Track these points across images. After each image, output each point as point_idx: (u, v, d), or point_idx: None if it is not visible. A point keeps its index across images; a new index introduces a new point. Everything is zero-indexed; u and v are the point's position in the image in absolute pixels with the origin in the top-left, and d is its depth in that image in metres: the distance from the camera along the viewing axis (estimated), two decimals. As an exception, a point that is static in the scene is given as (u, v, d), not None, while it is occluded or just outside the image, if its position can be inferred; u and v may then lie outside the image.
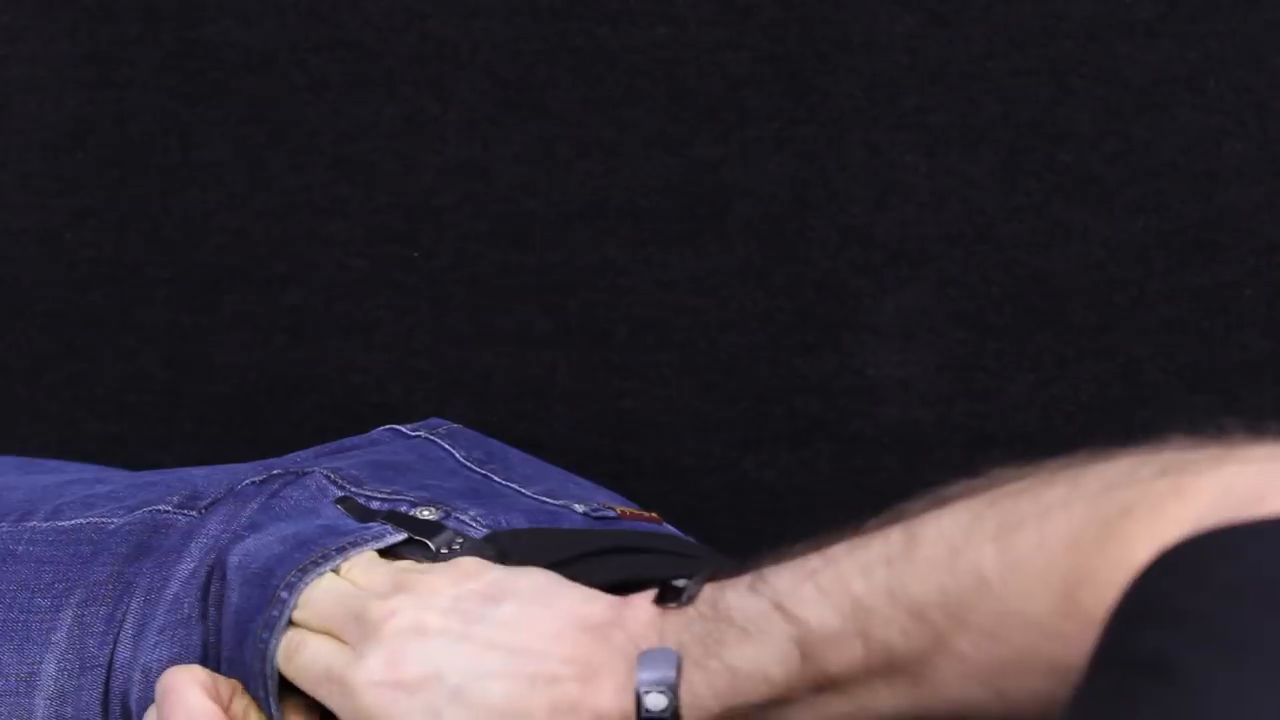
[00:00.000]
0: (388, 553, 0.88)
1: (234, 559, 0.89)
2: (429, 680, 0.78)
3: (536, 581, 0.82)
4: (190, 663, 0.88)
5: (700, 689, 0.75)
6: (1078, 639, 0.64)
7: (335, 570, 0.86)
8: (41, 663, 0.92)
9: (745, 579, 0.76)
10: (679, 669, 0.75)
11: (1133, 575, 0.62)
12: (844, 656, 0.72)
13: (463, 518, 0.92)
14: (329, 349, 1.25)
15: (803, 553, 0.75)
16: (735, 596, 0.76)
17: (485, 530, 0.91)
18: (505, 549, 0.87)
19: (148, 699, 0.89)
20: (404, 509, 0.92)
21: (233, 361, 1.26)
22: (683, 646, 0.76)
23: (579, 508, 0.97)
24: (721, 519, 1.23)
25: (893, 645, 0.71)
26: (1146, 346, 1.17)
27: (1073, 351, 1.18)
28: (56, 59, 1.24)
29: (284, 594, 0.84)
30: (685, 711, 0.75)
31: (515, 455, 1.07)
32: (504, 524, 0.92)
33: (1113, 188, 1.15)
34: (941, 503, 0.73)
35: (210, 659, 0.89)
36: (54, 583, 0.95)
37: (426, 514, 0.91)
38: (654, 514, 1.02)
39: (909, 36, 1.14)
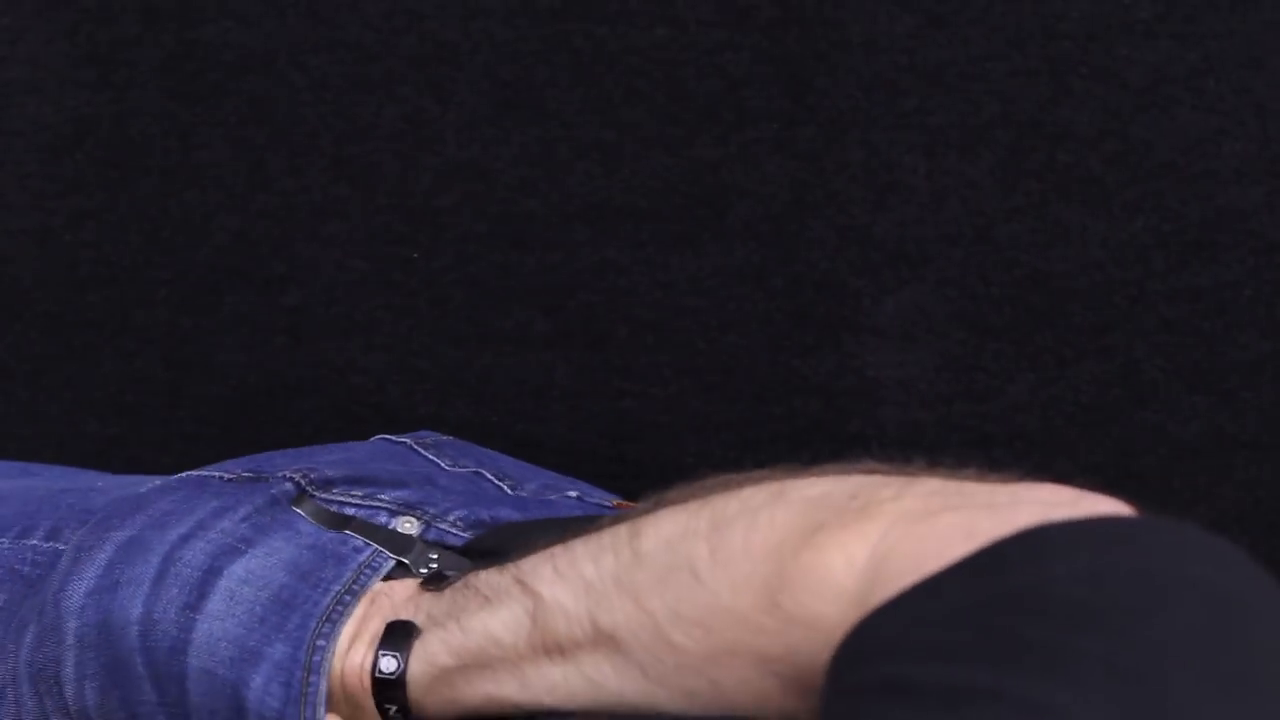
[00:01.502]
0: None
1: (238, 570, 0.90)
2: None
3: None
4: (109, 634, 0.91)
5: (434, 646, 0.84)
6: (779, 634, 0.73)
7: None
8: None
9: (501, 564, 0.85)
10: (414, 634, 0.84)
11: (823, 580, 0.72)
12: (571, 631, 0.80)
13: (444, 525, 0.92)
14: (328, 350, 1.25)
15: (551, 544, 0.83)
16: (485, 574, 0.84)
17: (470, 530, 0.92)
18: (485, 552, 0.90)
19: (86, 672, 0.91)
20: (382, 519, 0.93)
21: (232, 362, 1.26)
22: (430, 617, 0.85)
23: (572, 492, 0.99)
24: (721, 519, 1.23)
25: (617, 627, 0.78)
26: (1146, 346, 1.17)
27: (1072, 351, 1.18)
28: (56, 60, 1.24)
29: (320, 643, 0.88)
30: (414, 665, 0.84)
31: (505, 461, 1.07)
32: (488, 520, 0.93)
33: (1112, 188, 1.15)
34: (662, 505, 0.81)
35: (153, 641, 0.90)
36: None
37: (406, 526, 0.92)
38: None
39: (908, 37, 1.14)
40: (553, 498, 0.99)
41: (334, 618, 0.88)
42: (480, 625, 0.82)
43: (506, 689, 0.82)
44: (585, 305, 1.22)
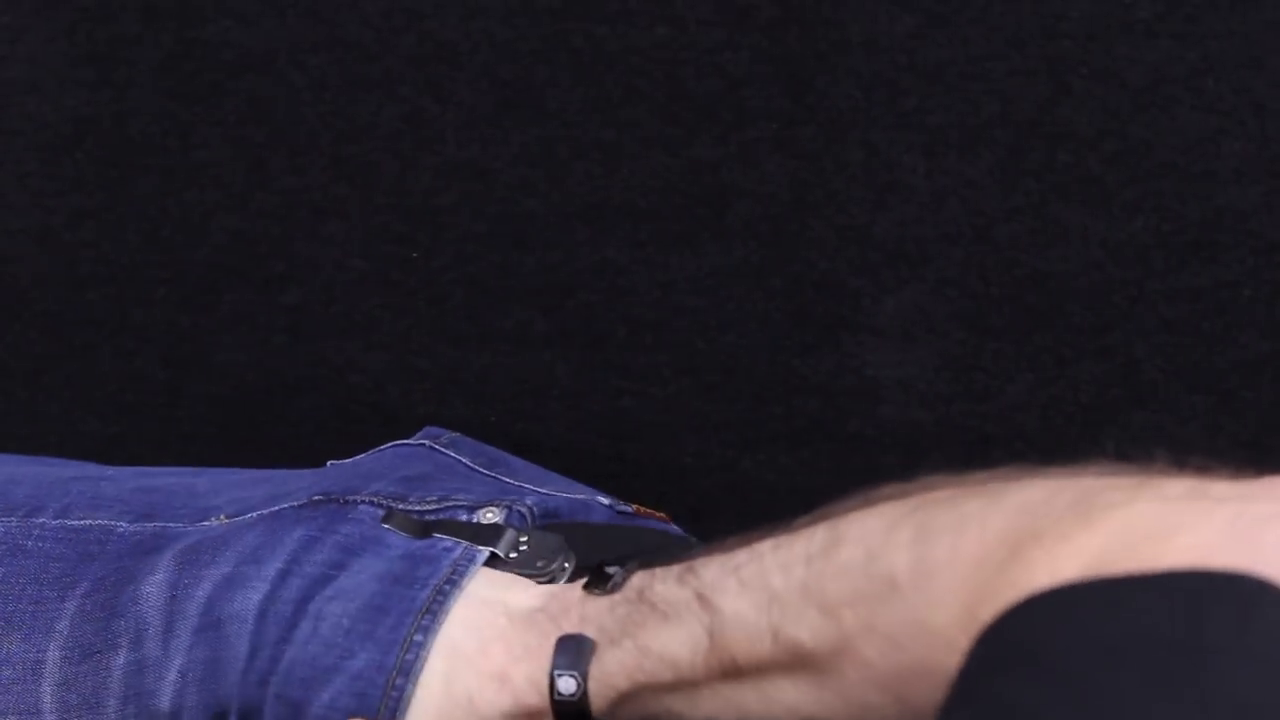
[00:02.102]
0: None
1: (328, 591, 0.90)
2: None
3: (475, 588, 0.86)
4: (224, 669, 0.90)
5: (611, 667, 0.78)
6: None
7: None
8: (47, 651, 0.93)
9: (675, 569, 0.79)
10: (592, 653, 0.78)
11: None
12: (752, 648, 0.74)
13: (521, 509, 0.93)
14: (328, 349, 1.25)
15: (734, 547, 0.78)
16: (662, 585, 0.79)
17: (542, 518, 0.93)
18: (571, 540, 0.89)
19: (186, 703, 0.90)
20: (463, 516, 0.93)
21: (231, 361, 1.26)
22: (602, 629, 0.79)
23: (604, 500, 0.99)
24: (721, 519, 1.23)
25: (801, 642, 0.72)
26: (1145, 346, 1.17)
27: (1072, 351, 1.18)
28: (56, 59, 1.24)
29: (418, 637, 0.86)
30: (594, 689, 0.78)
31: (516, 461, 1.08)
32: (563, 507, 0.94)
33: (1112, 188, 1.15)
34: (868, 504, 0.74)
35: (251, 678, 0.90)
36: (60, 577, 0.95)
37: (489, 516, 0.92)
38: (662, 514, 1.03)
39: (908, 37, 1.14)
40: (582, 499, 0.99)
41: (434, 609, 0.86)
42: (659, 647, 0.77)
43: (677, 707, 0.78)
44: (584, 305, 1.22)
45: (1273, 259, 1.14)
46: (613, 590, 0.81)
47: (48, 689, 0.93)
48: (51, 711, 0.93)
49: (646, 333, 1.22)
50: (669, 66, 1.17)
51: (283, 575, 0.91)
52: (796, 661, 0.73)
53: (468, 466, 1.03)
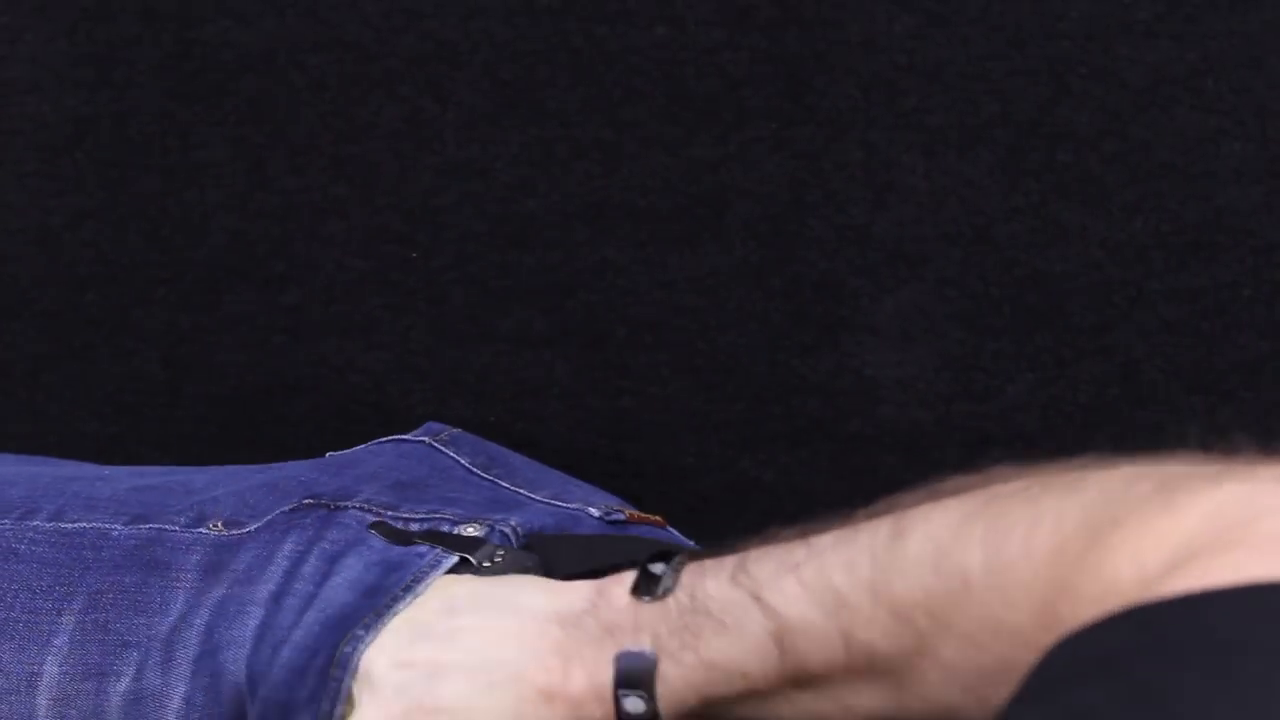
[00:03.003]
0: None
1: (316, 606, 0.91)
2: (413, 708, 0.80)
3: (503, 587, 0.83)
4: (219, 695, 0.91)
5: (676, 684, 0.75)
6: None
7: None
8: (43, 664, 0.93)
9: (727, 566, 0.75)
10: (654, 668, 0.75)
11: (1109, 590, 0.59)
12: (824, 654, 0.71)
13: (505, 529, 0.93)
14: (327, 349, 1.25)
15: (789, 540, 0.74)
16: (715, 586, 0.75)
17: (524, 539, 0.92)
18: (548, 556, 0.88)
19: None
20: (445, 528, 0.93)
21: (231, 361, 1.26)
22: (658, 639, 0.76)
23: (594, 511, 0.98)
24: (720, 519, 1.23)
25: (875, 646, 0.69)
26: (1145, 347, 1.17)
27: (1071, 352, 1.18)
28: (55, 59, 1.24)
29: (347, 649, 0.85)
30: (663, 707, 0.75)
31: (515, 459, 1.08)
32: (537, 527, 0.93)
33: (1111, 188, 1.15)
34: (934, 497, 0.71)
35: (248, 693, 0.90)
36: (54, 586, 0.95)
37: (471, 530, 0.92)
38: (658, 517, 1.03)
39: (907, 36, 1.14)
40: (570, 509, 0.99)
41: (381, 612, 0.86)
42: (724, 659, 0.74)
43: (748, 714, 0.75)
44: (584, 305, 1.22)
45: (1273, 259, 1.14)
46: (664, 595, 0.77)
47: (43, 703, 0.93)
48: None
49: (646, 333, 1.22)
50: (669, 66, 1.17)
51: (276, 598, 0.92)
52: (872, 666, 0.70)
53: (465, 468, 1.03)
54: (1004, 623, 0.65)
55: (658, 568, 0.78)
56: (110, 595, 0.94)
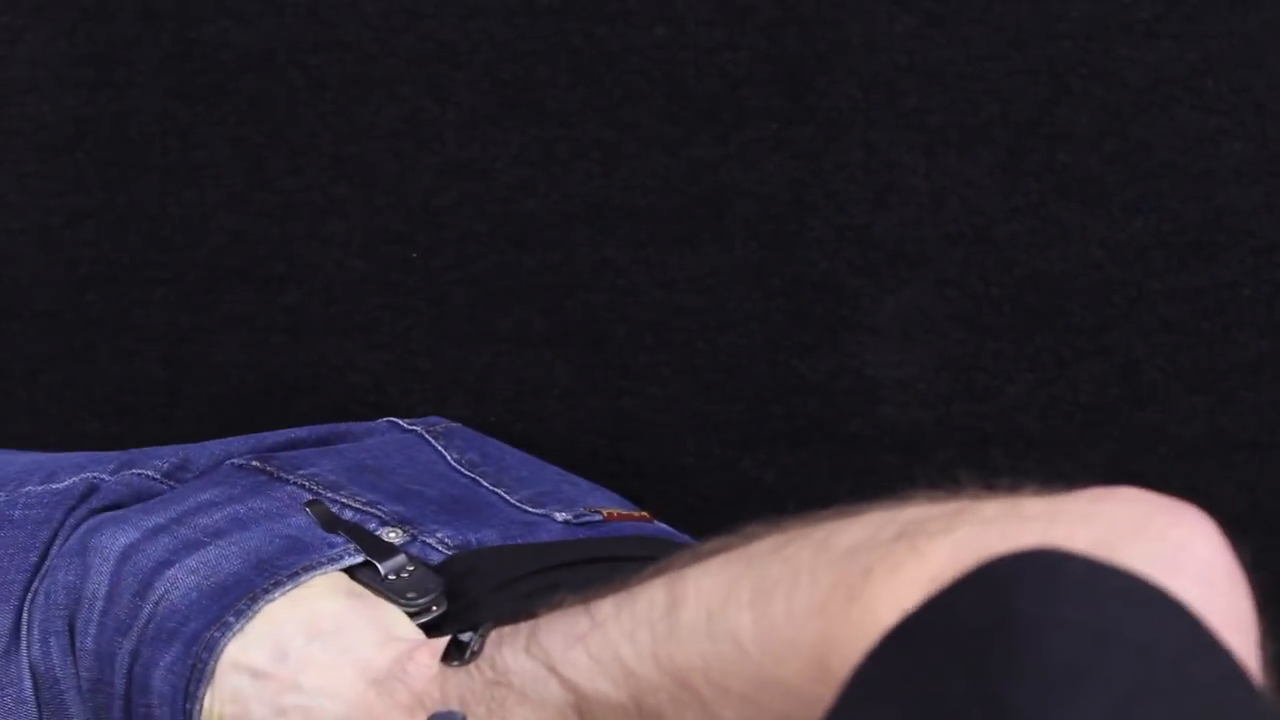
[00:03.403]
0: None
1: (191, 561, 0.90)
2: (245, 663, 0.84)
3: (351, 620, 0.85)
4: (81, 598, 0.92)
5: None
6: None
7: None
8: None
9: (523, 634, 0.77)
10: None
11: (875, 638, 0.61)
12: None
13: (429, 540, 0.93)
14: (327, 349, 1.25)
15: (573, 607, 0.76)
16: (512, 656, 0.77)
17: (449, 552, 0.92)
18: (460, 573, 0.88)
19: (35, 621, 0.93)
20: (372, 525, 0.93)
21: (231, 361, 1.26)
22: (466, 706, 0.78)
23: (560, 515, 0.98)
24: (720, 519, 1.22)
25: (663, 711, 0.71)
26: (1145, 346, 1.17)
27: (1071, 352, 1.18)
28: (55, 59, 1.24)
29: (231, 619, 0.86)
30: None
31: (512, 456, 1.08)
32: (473, 542, 0.93)
33: (1111, 188, 1.15)
34: (700, 558, 0.73)
35: (108, 622, 0.91)
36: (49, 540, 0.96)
37: (391, 535, 0.93)
38: (644, 513, 1.02)
39: (907, 37, 1.14)
40: (536, 515, 0.99)
41: (257, 596, 0.87)
42: None
43: None
44: (584, 304, 1.22)
45: (1273, 259, 1.14)
46: (470, 660, 0.79)
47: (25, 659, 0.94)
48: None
49: (646, 332, 1.22)
50: (669, 67, 1.17)
51: (156, 530, 0.93)
52: None
53: (448, 464, 1.03)
54: (779, 681, 0.68)
55: (465, 636, 0.80)
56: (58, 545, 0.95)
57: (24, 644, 0.92)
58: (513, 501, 0.99)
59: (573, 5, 1.17)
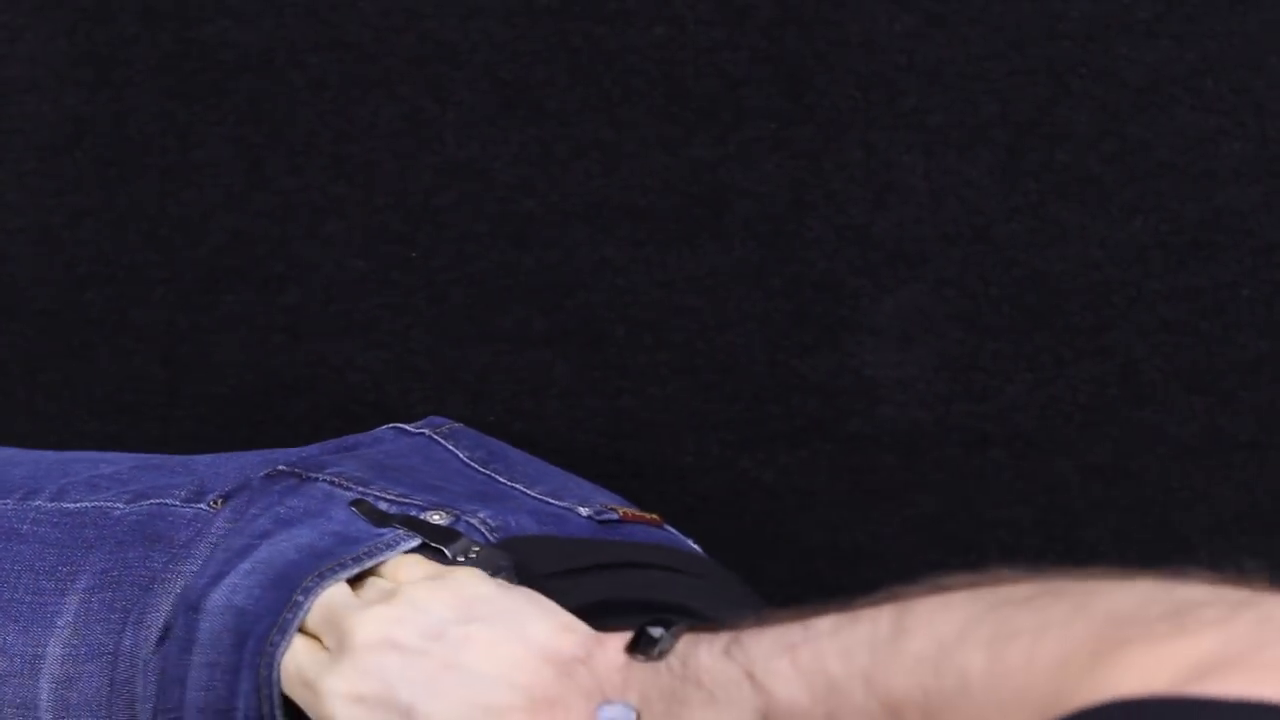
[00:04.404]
0: None
1: (245, 565, 0.90)
2: (385, 696, 0.79)
3: (517, 604, 0.82)
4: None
5: None
6: None
7: (356, 577, 0.87)
8: (46, 646, 0.93)
9: (723, 639, 0.75)
10: None
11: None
12: None
13: (472, 520, 0.92)
14: (327, 349, 1.25)
15: (786, 620, 0.73)
16: (709, 657, 0.75)
17: (495, 533, 0.91)
18: (522, 555, 0.87)
19: (150, 693, 0.90)
20: (414, 513, 0.93)
21: (231, 361, 1.26)
22: (645, 700, 0.75)
23: (583, 510, 0.98)
24: (719, 519, 1.23)
25: None
26: (1144, 346, 1.17)
27: (1071, 352, 1.18)
28: (54, 59, 1.24)
29: (300, 598, 0.85)
30: None
31: (515, 454, 1.08)
32: (513, 526, 0.93)
33: (1111, 188, 1.15)
34: (939, 592, 0.70)
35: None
36: (58, 566, 0.95)
37: (437, 518, 0.92)
38: (655, 515, 1.02)
39: (907, 36, 1.14)
40: (559, 507, 0.99)
41: (325, 575, 0.86)
42: None
43: None
44: (583, 304, 1.22)
45: (1272, 259, 1.14)
46: (659, 656, 0.76)
47: (45, 685, 0.93)
48: (48, 709, 0.93)
49: (645, 332, 1.22)
50: (668, 66, 1.17)
51: (214, 546, 0.93)
52: None
53: (462, 461, 1.03)
54: None
55: (656, 631, 0.77)
56: (114, 573, 0.94)
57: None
58: (533, 495, 0.99)
59: (572, 5, 1.17)
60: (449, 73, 1.20)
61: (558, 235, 1.21)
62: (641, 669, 0.77)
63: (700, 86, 1.17)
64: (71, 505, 0.98)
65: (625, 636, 0.79)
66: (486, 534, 0.92)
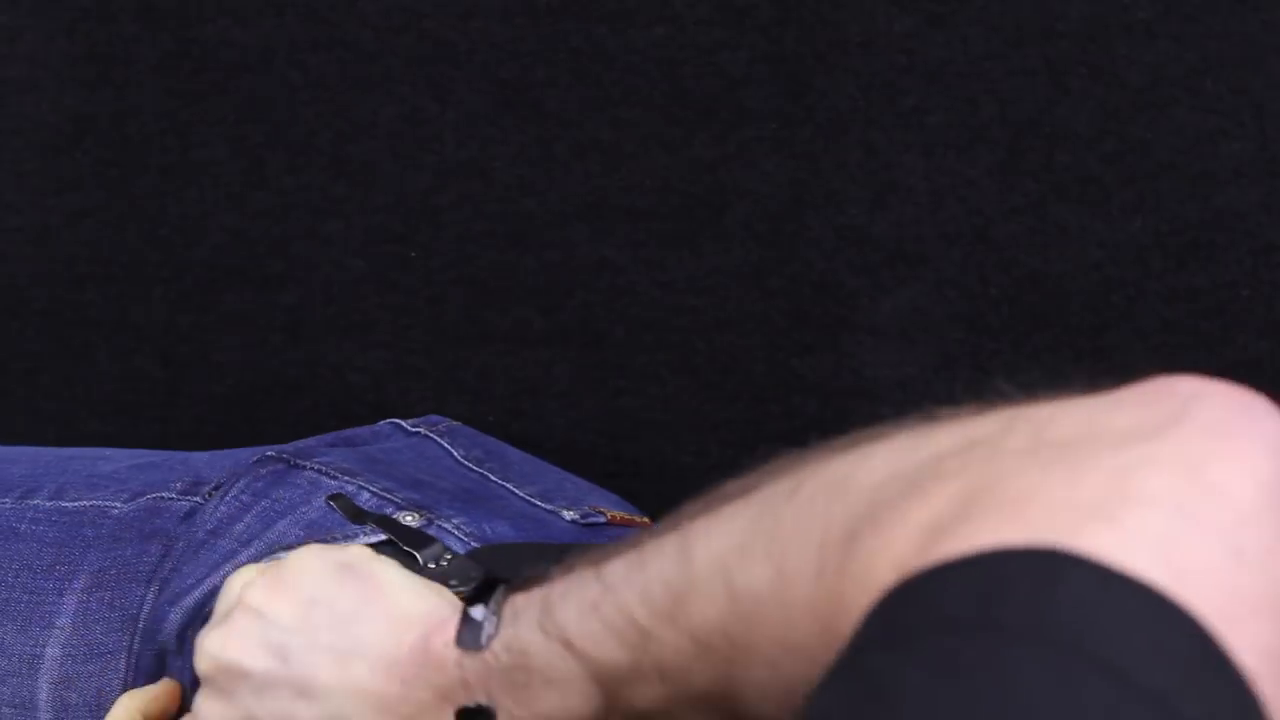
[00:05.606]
0: None
1: (228, 567, 0.91)
2: (241, 668, 0.78)
3: (354, 606, 0.79)
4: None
5: None
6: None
7: None
8: (45, 645, 0.93)
9: (535, 607, 0.73)
10: None
11: (874, 596, 0.56)
12: (645, 691, 0.69)
13: (445, 525, 0.92)
14: (326, 348, 1.25)
15: (584, 570, 0.71)
16: (528, 634, 0.73)
17: (470, 540, 0.91)
18: (492, 564, 0.87)
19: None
20: (390, 511, 0.93)
21: (230, 361, 1.26)
22: (492, 697, 0.74)
23: (568, 514, 0.98)
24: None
25: (691, 675, 0.67)
26: (1144, 347, 1.17)
27: (1070, 352, 1.17)
28: (55, 58, 1.24)
29: (226, 567, 0.88)
30: None
31: (513, 453, 1.08)
32: (489, 533, 0.92)
33: (1110, 188, 1.14)
34: (712, 507, 0.68)
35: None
36: (55, 565, 0.96)
37: (409, 519, 0.92)
38: (645, 518, 1.02)
39: (906, 36, 1.14)
40: (546, 511, 0.98)
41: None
42: (558, 711, 0.72)
43: None
44: (583, 304, 1.22)
45: (1272, 259, 1.14)
46: (487, 643, 0.74)
47: (44, 685, 0.93)
48: (47, 708, 0.93)
49: (645, 332, 1.22)
50: (667, 66, 1.17)
51: (197, 547, 0.94)
52: (692, 694, 0.68)
53: (455, 459, 1.04)
54: (792, 644, 0.62)
55: (478, 613, 0.75)
56: (112, 572, 0.94)
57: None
58: (522, 495, 0.99)
59: (572, 5, 1.17)
60: (449, 72, 1.20)
61: (557, 235, 1.21)
62: (475, 665, 0.74)
63: (700, 86, 1.17)
64: (70, 504, 0.98)
65: (451, 629, 0.77)
66: (461, 539, 0.92)
